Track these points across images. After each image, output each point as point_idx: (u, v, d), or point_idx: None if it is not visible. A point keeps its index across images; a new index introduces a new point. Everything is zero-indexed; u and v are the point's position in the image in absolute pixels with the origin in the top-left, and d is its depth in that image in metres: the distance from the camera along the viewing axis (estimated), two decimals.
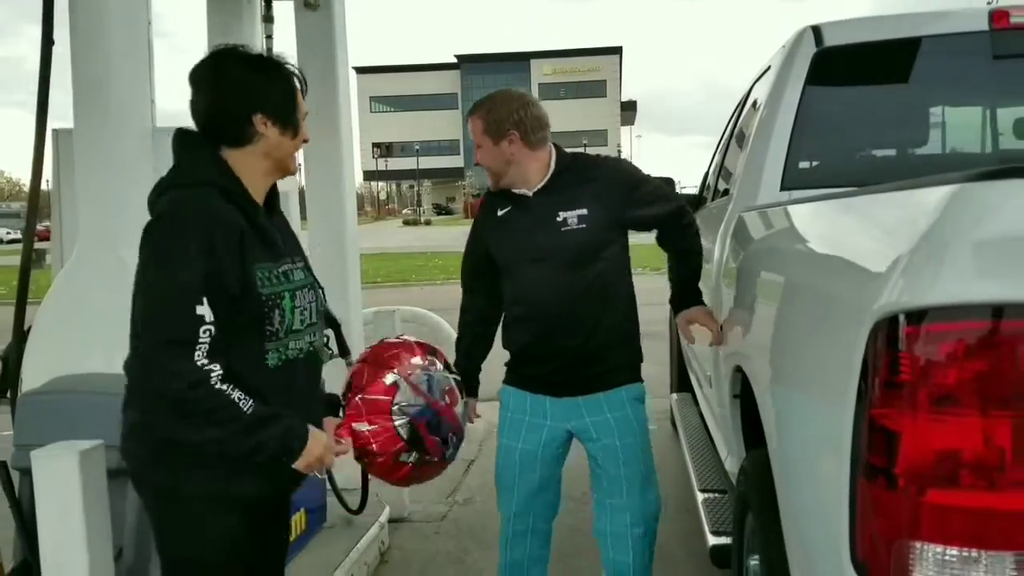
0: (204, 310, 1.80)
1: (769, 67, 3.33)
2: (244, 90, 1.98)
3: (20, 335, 2.87)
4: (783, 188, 2.89)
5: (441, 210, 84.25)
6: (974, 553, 1.12)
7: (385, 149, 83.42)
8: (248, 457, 1.89)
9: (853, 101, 3.08)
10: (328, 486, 3.77)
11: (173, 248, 1.81)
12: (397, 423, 2.26)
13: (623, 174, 2.76)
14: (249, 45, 2.16)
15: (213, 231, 1.84)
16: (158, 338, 1.79)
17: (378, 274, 21.53)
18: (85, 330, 2.70)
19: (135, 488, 2.01)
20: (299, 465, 1.96)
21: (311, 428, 1.98)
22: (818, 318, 1.56)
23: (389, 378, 2.31)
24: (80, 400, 2.55)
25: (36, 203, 2.90)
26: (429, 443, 2.32)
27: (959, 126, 3.26)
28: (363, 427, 2.24)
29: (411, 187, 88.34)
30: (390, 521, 4.30)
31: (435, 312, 6.30)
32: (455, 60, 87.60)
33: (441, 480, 5.07)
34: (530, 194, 2.73)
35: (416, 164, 78.61)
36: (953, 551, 1.13)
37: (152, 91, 2.88)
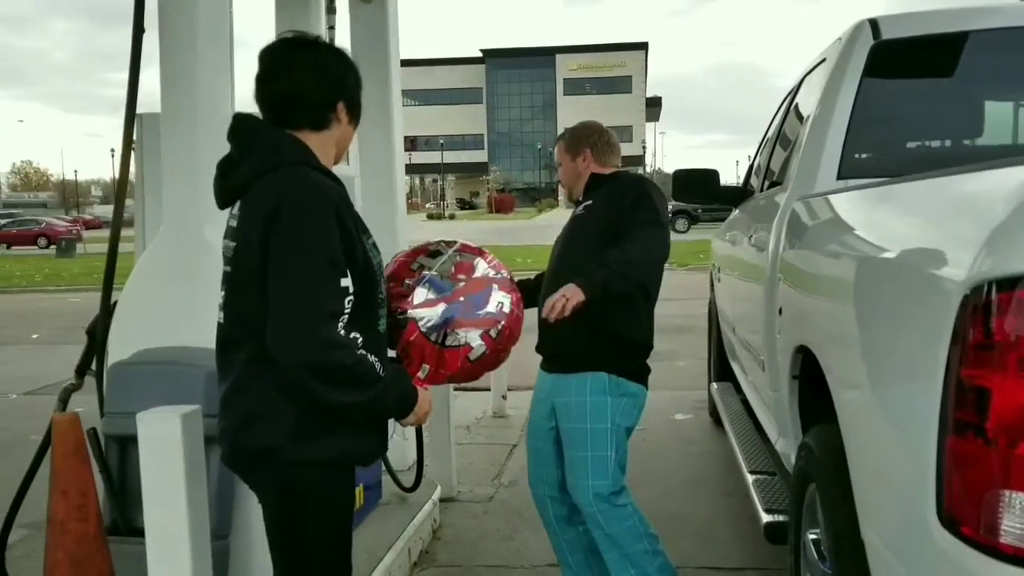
0: (348, 281, 1.91)
1: (824, 59, 3.41)
2: (337, 79, 2.11)
3: (107, 311, 3.00)
4: (840, 177, 2.97)
5: (465, 205, 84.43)
6: None
7: (410, 143, 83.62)
8: (383, 416, 2.07)
9: (909, 93, 3.16)
10: (383, 465, 3.90)
11: (314, 224, 1.90)
12: (446, 343, 2.22)
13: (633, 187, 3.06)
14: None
15: (339, 205, 1.95)
16: (315, 311, 1.86)
17: None
18: (170, 307, 2.83)
19: (260, 468, 2.07)
20: (410, 420, 2.11)
21: (420, 391, 2.13)
22: (902, 293, 1.66)
23: (405, 319, 2.23)
24: (169, 371, 2.68)
25: (125, 186, 3.03)
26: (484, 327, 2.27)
27: (1010, 119, 3.32)
28: (426, 370, 2.22)
29: (435, 181, 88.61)
30: (440, 500, 4.42)
31: None
32: (480, 54, 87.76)
33: (486, 464, 5.28)
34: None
35: (440, 158, 78.80)
36: None
37: (232, 77, 3.01)
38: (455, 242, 2.48)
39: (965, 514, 1.34)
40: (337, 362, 1.88)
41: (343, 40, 4.38)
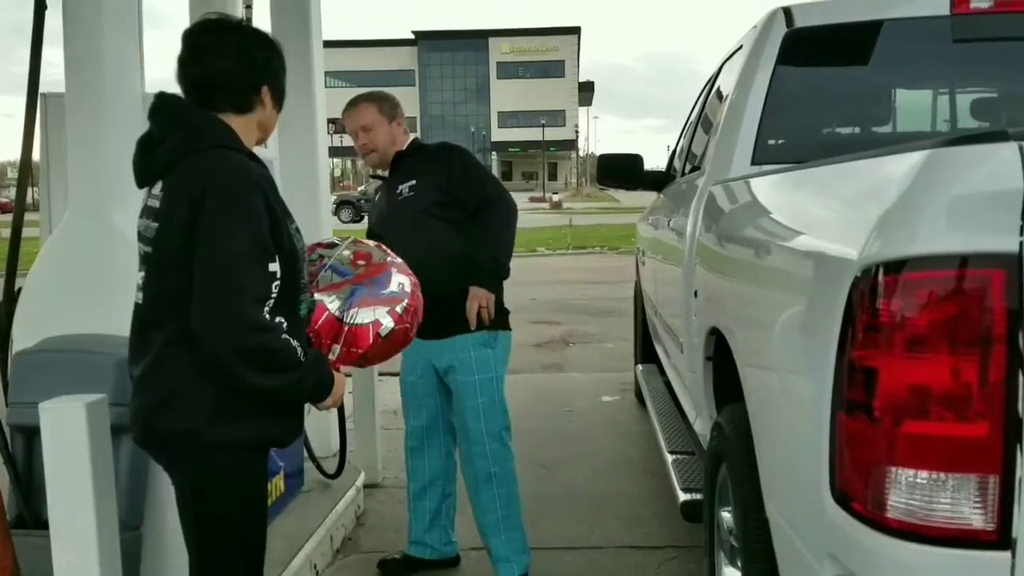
0: (276, 266, 1.93)
1: (740, 47, 3.46)
2: (262, 63, 2.12)
3: (10, 298, 2.90)
4: (754, 163, 3.03)
5: None
6: (942, 476, 1.26)
7: (340, 125, 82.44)
8: (301, 399, 2.10)
9: (821, 80, 3.23)
10: (306, 452, 3.86)
11: (243, 208, 1.90)
12: (356, 321, 2.22)
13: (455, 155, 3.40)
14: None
15: (266, 189, 1.96)
16: (243, 294, 1.88)
17: None
18: (76, 293, 2.75)
19: (176, 449, 2.06)
20: (327, 403, 2.12)
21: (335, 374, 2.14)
22: (800, 274, 1.70)
23: (311, 303, 2.21)
24: (76, 359, 2.61)
25: (28, 169, 2.93)
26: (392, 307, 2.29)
27: (920, 106, 3.43)
28: (337, 350, 2.21)
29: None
30: (365, 487, 4.40)
31: None
32: (412, 36, 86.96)
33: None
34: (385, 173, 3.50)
35: None
36: (924, 474, 1.27)
37: (142, 58, 2.92)
38: (348, 237, 2.52)
39: (855, 490, 1.38)
40: (263, 346, 1.90)
41: (262, 18, 4.30)
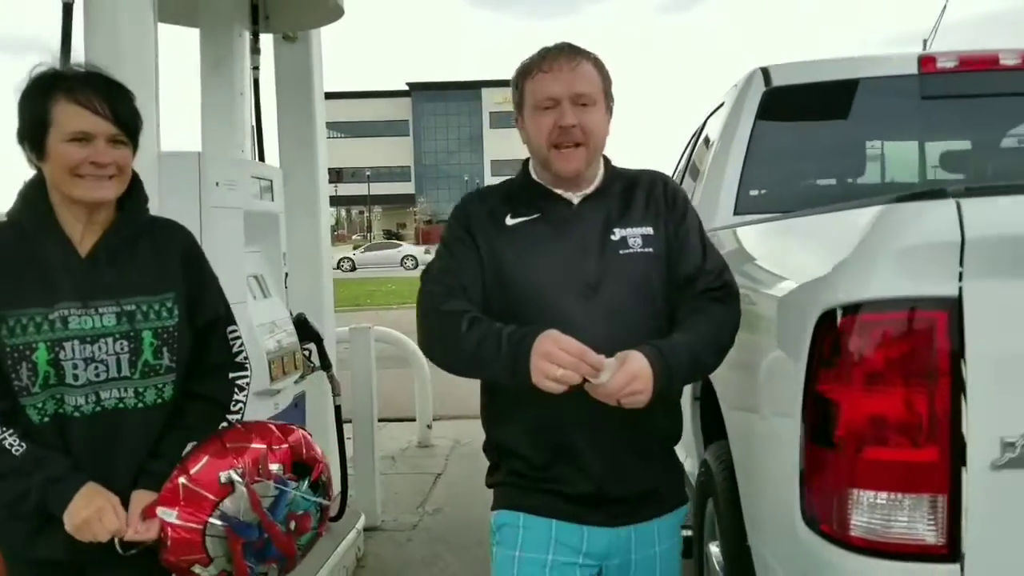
0: None
1: (723, 103, 3.66)
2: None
3: None
4: (736, 213, 3.20)
5: (392, 236, 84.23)
6: (898, 496, 1.41)
7: (336, 175, 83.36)
8: (17, 505, 1.79)
9: (799, 135, 3.41)
10: None
11: None
12: (209, 532, 1.82)
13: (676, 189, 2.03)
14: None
15: None
16: None
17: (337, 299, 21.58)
18: None
19: None
20: (67, 527, 1.77)
21: (88, 488, 1.78)
22: (772, 318, 1.85)
23: (225, 476, 1.84)
24: None
25: None
26: (240, 568, 1.85)
27: (892, 159, 3.62)
28: (169, 516, 1.81)
29: (361, 213, 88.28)
30: (365, 530, 4.49)
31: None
32: (406, 87, 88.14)
33: (411, 493, 5.37)
34: (575, 200, 1.92)
35: (367, 190, 78.60)
36: (883, 495, 1.42)
37: (158, 116, 3.08)
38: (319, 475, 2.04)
39: (822, 513, 1.52)
40: None
41: (267, 77, 4.49)
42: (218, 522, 1.82)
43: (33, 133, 1.79)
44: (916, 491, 1.40)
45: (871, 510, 1.43)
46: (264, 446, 1.92)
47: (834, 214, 1.77)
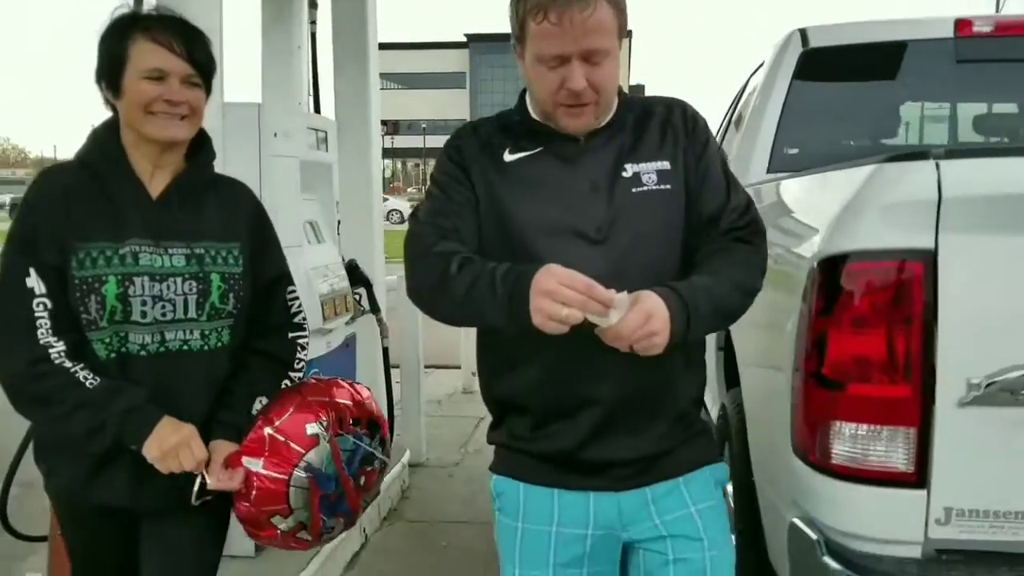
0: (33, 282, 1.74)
1: (763, 63, 3.75)
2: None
3: None
4: (769, 171, 3.31)
5: None
6: (876, 428, 1.57)
7: (392, 127, 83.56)
8: (88, 441, 1.75)
9: (834, 96, 3.49)
10: None
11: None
12: (293, 483, 1.82)
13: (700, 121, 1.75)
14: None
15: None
16: None
17: (385, 250, 21.94)
18: None
19: None
20: (152, 454, 1.73)
21: (169, 418, 1.76)
22: (777, 269, 2.00)
23: (313, 428, 1.86)
24: None
25: None
26: (315, 520, 1.87)
27: (926, 121, 3.68)
28: (255, 465, 1.81)
29: (416, 166, 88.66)
30: (409, 464, 4.76)
31: None
32: (464, 39, 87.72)
33: (454, 435, 5.61)
34: (581, 137, 1.67)
35: (423, 143, 78.82)
36: (863, 427, 1.58)
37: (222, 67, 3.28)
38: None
39: (809, 444, 1.68)
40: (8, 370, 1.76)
41: (324, 32, 4.65)
42: (303, 474, 1.81)
43: (111, 71, 1.80)
44: (891, 424, 1.55)
45: (851, 441, 1.59)
46: (345, 401, 1.94)
47: (836, 172, 1.90)
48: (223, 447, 1.82)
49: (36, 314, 1.71)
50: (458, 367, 7.05)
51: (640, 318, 1.42)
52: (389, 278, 5.27)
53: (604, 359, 1.51)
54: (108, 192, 1.80)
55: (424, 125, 79.55)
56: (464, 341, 6.83)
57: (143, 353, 1.78)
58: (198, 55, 1.81)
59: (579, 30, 1.53)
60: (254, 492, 1.80)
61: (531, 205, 1.63)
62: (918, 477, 1.54)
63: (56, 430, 1.80)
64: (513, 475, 1.75)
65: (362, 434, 1.94)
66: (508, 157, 1.68)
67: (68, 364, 1.71)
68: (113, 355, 1.76)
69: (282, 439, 1.83)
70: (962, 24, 3.25)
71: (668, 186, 1.64)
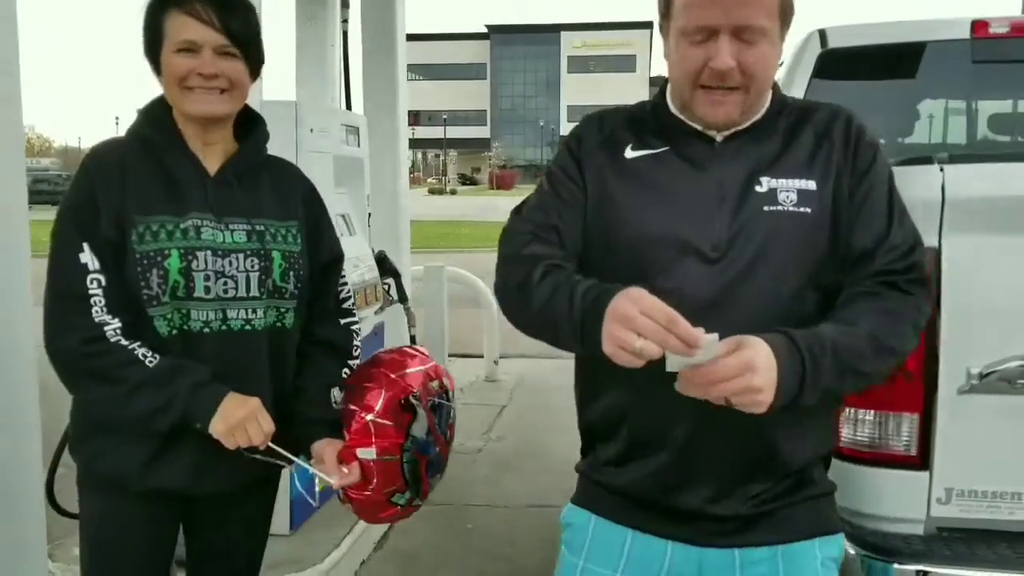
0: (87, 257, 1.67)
1: (782, 62, 3.84)
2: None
3: None
4: None
5: (466, 180, 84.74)
6: (883, 414, 1.68)
7: (413, 117, 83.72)
8: (152, 419, 1.67)
9: (852, 96, 3.58)
10: None
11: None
12: (405, 460, 1.84)
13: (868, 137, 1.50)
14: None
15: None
16: (50, 290, 1.69)
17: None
18: None
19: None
20: (218, 429, 1.66)
21: (234, 393, 1.70)
22: None
23: (407, 403, 1.87)
24: None
25: None
26: (424, 486, 1.92)
27: (942, 121, 3.77)
28: (369, 454, 1.81)
29: (437, 156, 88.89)
30: None
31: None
32: (485, 30, 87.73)
33: (477, 422, 5.76)
34: (719, 137, 1.45)
35: (443, 133, 79.01)
36: (870, 413, 1.69)
37: None
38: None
39: None
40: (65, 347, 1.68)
41: (355, 26, 4.75)
42: (411, 447, 1.85)
43: (151, 47, 1.73)
44: (896, 410, 1.67)
45: (859, 425, 1.71)
46: (421, 368, 1.94)
47: None
48: (329, 446, 1.80)
49: (91, 291, 1.64)
50: (480, 356, 7.21)
51: (738, 366, 1.19)
52: (415, 268, 5.42)
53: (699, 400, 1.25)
54: (165, 166, 1.74)
55: (445, 116, 79.69)
56: (487, 329, 6.98)
57: (207, 330, 1.71)
58: (233, 24, 1.70)
59: (715, 10, 1.32)
60: (375, 478, 1.81)
61: (643, 209, 1.43)
62: (921, 460, 1.66)
63: (112, 410, 1.70)
64: (587, 506, 1.56)
65: (441, 392, 1.96)
66: (629, 154, 1.48)
67: (125, 342, 1.65)
68: (175, 332, 1.70)
69: (384, 422, 1.83)
70: (978, 25, 3.34)
71: (808, 210, 1.38)
